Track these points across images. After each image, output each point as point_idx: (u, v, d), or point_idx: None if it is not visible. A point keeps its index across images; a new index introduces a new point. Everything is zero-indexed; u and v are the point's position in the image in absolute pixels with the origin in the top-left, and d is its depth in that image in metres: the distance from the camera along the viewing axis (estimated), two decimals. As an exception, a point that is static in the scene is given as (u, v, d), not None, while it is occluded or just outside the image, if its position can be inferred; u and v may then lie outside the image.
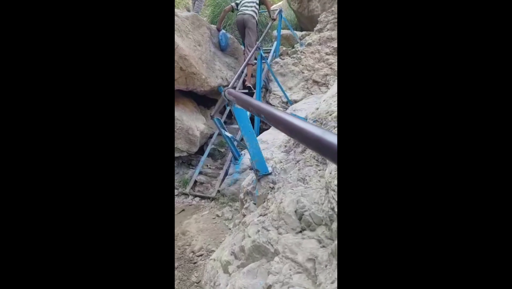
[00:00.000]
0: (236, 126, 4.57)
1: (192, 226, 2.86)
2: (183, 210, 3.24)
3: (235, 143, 3.54)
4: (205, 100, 5.06)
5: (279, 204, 1.25)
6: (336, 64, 4.71)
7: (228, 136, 3.29)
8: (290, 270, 0.93)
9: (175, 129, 3.82)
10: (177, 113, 3.92)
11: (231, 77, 4.72)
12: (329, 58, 4.83)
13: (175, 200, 3.50)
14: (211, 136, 4.79)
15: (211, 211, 3.16)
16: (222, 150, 4.62)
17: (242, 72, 4.11)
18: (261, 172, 1.63)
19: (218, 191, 3.51)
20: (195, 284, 2.25)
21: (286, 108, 4.74)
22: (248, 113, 1.60)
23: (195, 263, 2.45)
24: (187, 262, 2.47)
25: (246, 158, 3.50)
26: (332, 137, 0.54)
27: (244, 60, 4.62)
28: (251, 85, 4.67)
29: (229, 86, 3.27)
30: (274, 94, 4.89)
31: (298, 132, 0.65)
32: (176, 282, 2.26)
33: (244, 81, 4.86)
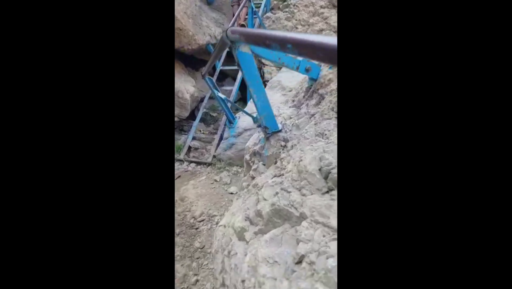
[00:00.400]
0: (229, 88, 4.34)
1: (190, 191, 2.75)
2: (179, 176, 3.10)
3: (229, 105, 3.33)
4: (193, 61, 4.72)
5: (298, 162, 1.11)
6: (332, 18, 4.41)
7: (221, 98, 3.07)
8: (324, 236, 0.81)
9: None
10: (165, 75, 3.64)
11: (219, 34, 4.37)
12: (324, 12, 4.51)
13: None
14: (202, 100, 4.55)
15: (208, 176, 3.03)
16: (214, 114, 4.42)
17: (239, 15, 3.76)
18: (270, 129, 1.47)
19: (214, 156, 3.37)
20: (199, 249, 2.18)
21: (279, 68, 4.50)
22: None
23: (197, 228, 2.36)
24: (188, 228, 2.38)
25: (241, 121, 3.32)
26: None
27: (233, 15, 4.27)
28: (244, 23, 4.39)
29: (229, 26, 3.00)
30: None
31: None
32: (179, 249, 2.18)
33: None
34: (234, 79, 4.75)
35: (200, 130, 3.96)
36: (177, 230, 2.36)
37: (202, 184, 2.88)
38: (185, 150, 3.48)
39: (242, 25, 4.30)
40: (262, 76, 4.62)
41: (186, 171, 3.25)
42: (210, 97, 4.20)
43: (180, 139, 3.82)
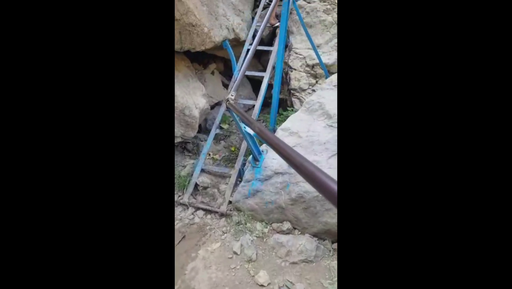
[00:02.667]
0: (249, 102, 3.43)
1: (200, 275, 1.93)
2: (184, 237, 2.27)
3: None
4: (201, 56, 3.75)
5: None
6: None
7: (249, 134, 2.19)
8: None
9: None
10: (167, 85, 2.70)
11: (238, 26, 3.37)
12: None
13: (169, 215, 2.50)
14: (212, 107, 3.63)
15: (223, 243, 2.21)
16: (226, 126, 3.52)
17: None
18: None
19: (230, 202, 2.53)
20: None
21: (311, 75, 3.56)
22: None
23: None
24: None
25: (269, 159, 2.45)
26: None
27: None
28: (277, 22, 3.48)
29: (234, 85, 2.08)
30: (296, 53, 3.63)
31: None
32: None
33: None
34: (255, 88, 3.82)
35: (210, 154, 3.08)
36: None
37: (216, 258, 2.06)
38: (190, 188, 2.63)
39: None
40: (288, 84, 3.69)
41: (192, 224, 2.41)
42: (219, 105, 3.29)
43: (185, 168, 2.94)
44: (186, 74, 3.08)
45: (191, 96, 2.88)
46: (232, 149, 3.28)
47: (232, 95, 1.96)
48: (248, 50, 3.41)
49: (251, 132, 2.14)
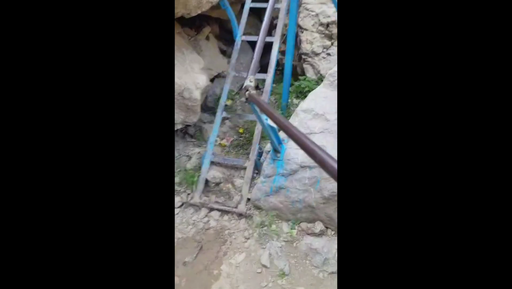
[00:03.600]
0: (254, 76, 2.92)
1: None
2: (201, 247, 1.96)
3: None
4: (192, 18, 3.13)
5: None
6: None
7: (271, 127, 1.77)
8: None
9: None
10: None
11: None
12: None
13: (180, 219, 2.18)
14: (212, 80, 3.13)
15: (248, 252, 1.91)
16: (229, 103, 3.06)
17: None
18: None
19: (248, 200, 2.20)
20: None
21: (325, 35, 3.03)
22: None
23: None
24: None
25: (291, 149, 2.07)
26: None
27: None
28: None
29: (252, 66, 1.58)
30: (307, 9, 3.05)
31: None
32: None
33: None
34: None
35: (217, 140, 2.67)
36: None
37: (243, 275, 1.78)
38: (201, 186, 2.27)
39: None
40: (298, 47, 3.16)
41: (208, 229, 2.10)
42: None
43: (190, 159, 2.55)
44: (179, 45, 2.54)
45: (189, 74, 2.38)
46: (240, 130, 2.87)
47: (251, 81, 1.50)
48: (249, 8, 2.82)
49: (274, 124, 1.73)
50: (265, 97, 2.50)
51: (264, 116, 1.68)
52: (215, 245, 1.98)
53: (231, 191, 2.28)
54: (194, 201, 2.21)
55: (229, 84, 2.64)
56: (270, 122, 1.71)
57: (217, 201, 2.22)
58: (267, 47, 3.24)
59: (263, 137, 2.43)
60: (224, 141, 2.73)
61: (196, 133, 2.85)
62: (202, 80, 2.49)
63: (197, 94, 2.38)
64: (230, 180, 2.33)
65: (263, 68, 3.65)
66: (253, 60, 1.61)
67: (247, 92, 1.43)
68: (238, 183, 2.29)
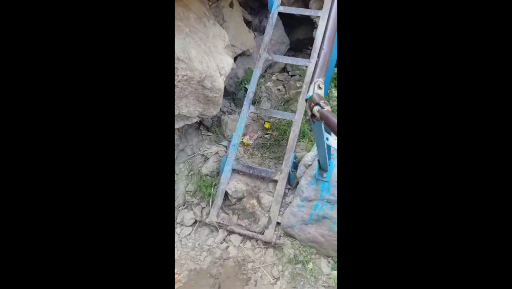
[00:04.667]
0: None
1: None
2: (219, 287, 1.55)
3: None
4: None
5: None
6: None
7: (329, 147, 1.28)
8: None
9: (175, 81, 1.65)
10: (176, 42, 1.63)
11: None
12: None
13: (193, 242, 1.75)
14: (234, 59, 2.56)
15: (281, 301, 1.50)
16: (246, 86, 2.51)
17: None
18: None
19: (278, 224, 1.75)
20: None
21: None
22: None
23: None
24: None
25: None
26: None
27: None
28: None
29: (320, 61, 1.02)
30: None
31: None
32: None
33: None
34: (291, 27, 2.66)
35: (242, 140, 2.16)
36: None
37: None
38: (219, 201, 1.81)
39: None
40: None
41: (227, 259, 1.68)
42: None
43: (207, 160, 2.07)
44: (199, 15, 1.96)
45: (212, 55, 1.84)
46: (266, 125, 2.36)
47: (320, 88, 0.98)
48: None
49: (335, 145, 1.23)
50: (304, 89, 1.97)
51: (326, 135, 1.17)
52: (236, 284, 1.57)
53: (257, 210, 1.83)
54: (210, 220, 1.77)
55: (260, 69, 2.10)
56: (330, 143, 1.21)
57: (240, 224, 1.78)
58: (300, 20, 2.62)
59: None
60: (246, 139, 2.23)
61: (213, 126, 2.35)
62: (228, 63, 1.94)
63: (220, 83, 1.85)
64: (255, 195, 1.87)
65: (292, 46, 3.06)
66: (323, 52, 1.05)
67: (316, 108, 0.91)
68: (266, 200, 1.83)
